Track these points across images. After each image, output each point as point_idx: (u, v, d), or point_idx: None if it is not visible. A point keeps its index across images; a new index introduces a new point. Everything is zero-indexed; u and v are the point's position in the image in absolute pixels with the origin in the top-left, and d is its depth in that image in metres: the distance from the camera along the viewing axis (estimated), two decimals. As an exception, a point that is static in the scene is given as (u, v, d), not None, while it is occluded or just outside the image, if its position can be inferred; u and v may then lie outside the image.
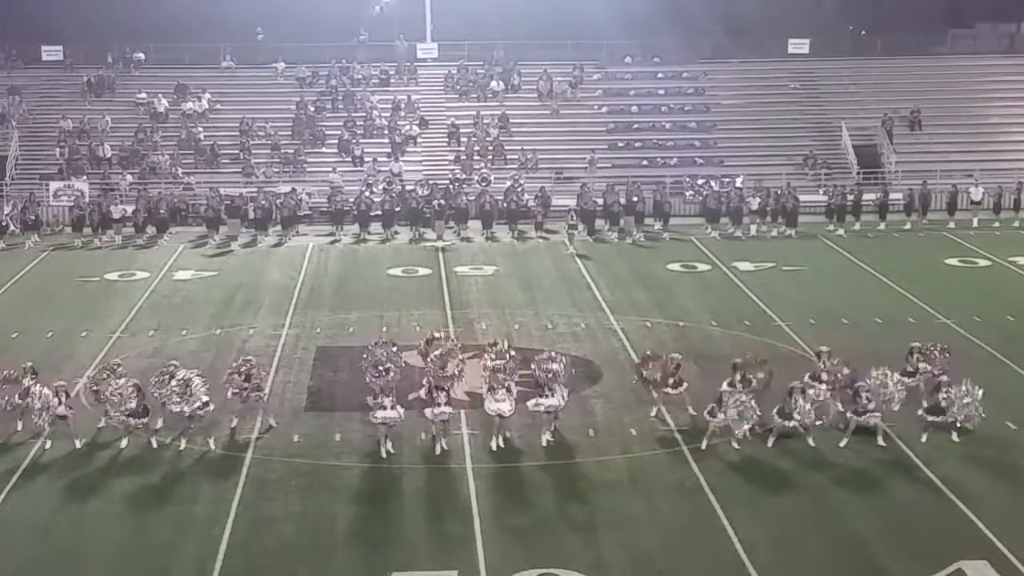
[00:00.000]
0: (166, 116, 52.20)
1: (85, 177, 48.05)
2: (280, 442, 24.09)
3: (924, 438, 23.69)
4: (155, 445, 23.65)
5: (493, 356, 25.66)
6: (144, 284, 37.02)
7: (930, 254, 41.03)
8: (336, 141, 50.92)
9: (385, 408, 23.36)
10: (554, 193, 46.33)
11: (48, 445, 23.59)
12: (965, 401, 23.40)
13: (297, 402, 26.55)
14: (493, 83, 54.43)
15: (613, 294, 35.56)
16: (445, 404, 23.59)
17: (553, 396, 24.03)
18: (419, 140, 51.59)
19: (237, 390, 24.26)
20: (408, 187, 46.45)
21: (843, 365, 24.77)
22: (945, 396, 23.66)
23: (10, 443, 23.92)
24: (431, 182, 46.60)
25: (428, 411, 23.62)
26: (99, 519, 21.01)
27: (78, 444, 23.63)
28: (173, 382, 23.74)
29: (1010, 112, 54.18)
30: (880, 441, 23.56)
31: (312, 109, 52.70)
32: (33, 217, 43.67)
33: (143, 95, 52.90)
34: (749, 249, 41.82)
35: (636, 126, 53.07)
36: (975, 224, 45.00)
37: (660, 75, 55.90)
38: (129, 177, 48.53)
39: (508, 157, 50.16)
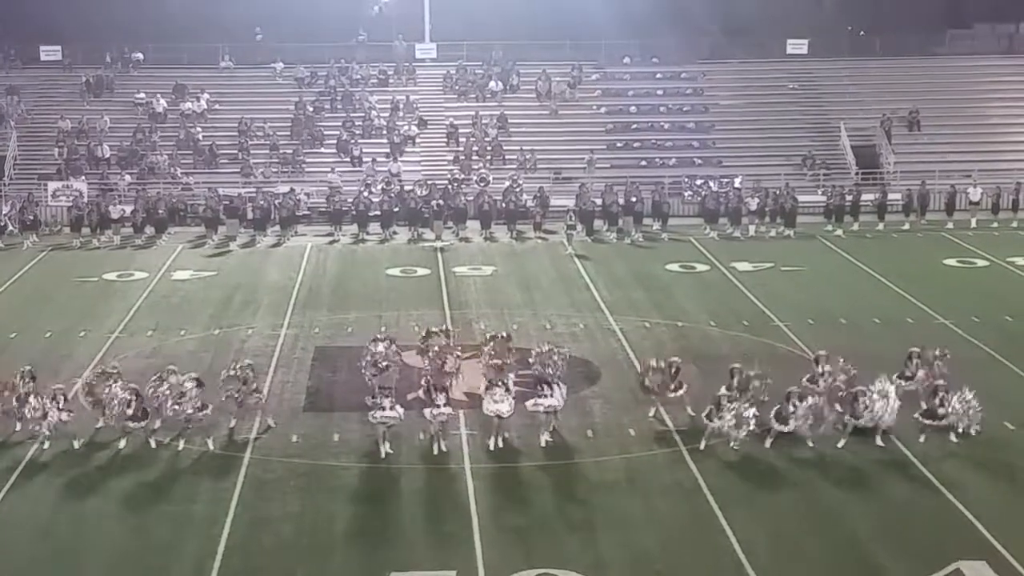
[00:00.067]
0: (165, 116, 52.18)
1: (84, 177, 48.05)
2: (278, 442, 24.10)
3: (922, 439, 23.70)
4: (153, 445, 23.65)
5: (492, 353, 25.66)
6: (142, 284, 37.02)
7: (928, 254, 41.04)
8: (335, 141, 50.91)
9: (384, 408, 23.36)
10: (553, 193, 46.32)
11: (46, 445, 23.58)
12: (968, 411, 23.38)
13: (296, 402, 26.55)
14: (492, 83, 54.42)
15: (612, 294, 35.57)
16: (444, 405, 23.57)
17: (552, 396, 24.04)
18: (418, 140, 51.58)
19: (234, 395, 24.25)
20: (407, 187, 46.44)
21: (840, 372, 24.80)
22: (942, 406, 23.64)
23: (9, 443, 23.92)
24: (430, 182, 46.61)
25: (427, 411, 23.61)
26: (98, 519, 21.02)
27: (76, 444, 23.64)
28: (165, 386, 23.69)
29: (1009, 112, 54.18)
30: (878, 441, 23.57)
31: (311, 109, 52.69)
32: (31, 217, 43.67)
33: (142, 95, 52.87)
34: (748, 249, 41.82)
35: (635, 126, 53.06)
36: (973, 224, 45.01)
37: (659, 75, 55.89)
38: (128, 177, 48.50)
39: (507, 157, 50.14)
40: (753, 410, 23.24)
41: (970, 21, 61.66)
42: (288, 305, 34.49)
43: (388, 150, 50.55)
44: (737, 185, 47.16)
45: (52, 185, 47.17)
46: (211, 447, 23.62)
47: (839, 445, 23.47)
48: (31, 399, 23.76)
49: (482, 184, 47.38)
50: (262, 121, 51.60)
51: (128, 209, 44.31)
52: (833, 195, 45.82)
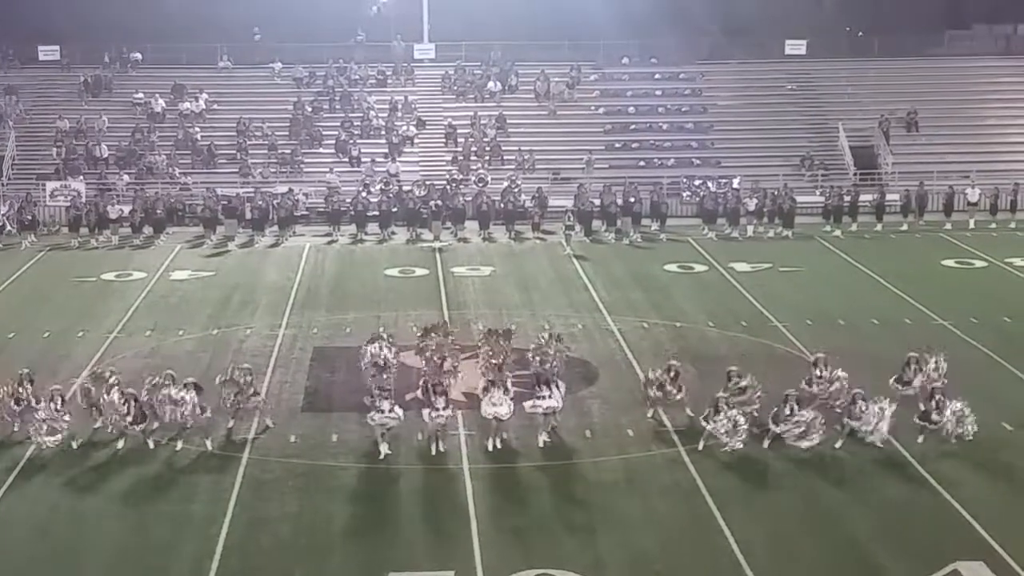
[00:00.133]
0: (163, 116, 52.17)
1: (82, 177, 48.03)
2: (277, 442, 24.10)
3: (920, 439, 23.69)
4: (152, 446, 23.65)
5: (490, 353, 25.66)
6: (141, 284, 37.01)
7: (927, 255, 41.06)
8: (333, 141, 50.91)
9: (383, 411, 23.34)
10: (551, 194, 46.33)
11: (45, 446, 23.54)
12: (961, 421, 23.37)
13: (294, 402, 26.54)
14: (490, 84, 54.42)
15: (610, 295, 35.57)
16: (444, 408, 23.54)
17: (550, 398, 24.04)
18: (416, 141, 51.57)
19: (230, 400, 24.27)
20: (405, 187, 46.43)
21: (834, 380, 24.83)
22: (938, 409, 23.62)
23: (7, 442, 23.90)
24: (428, 182, 46.61)
25: (426, 413, 23.58)
26: (96, 519, 21.02)
27: (74, 445, 23.63)
28: (162, 394, 23.64)
29: (1007, 113, 54.22)
30: (877, 442, 23.57)
31: (309, 109, 52.67)
32: (30, 217, 43.62)
33: (140, 95, 52.86)
34: (746, 250, 41.83)
35: (633, 127, 53.06)
36: (972, 225, 45.01)
37: (657, 76, 55.89)
38: (126, 177, 48.47)
39: (505, 158, 50.14)
40: (743, 419, 23.26)
41: (968, 22, 61.73)
42: (286, 305, 34.48)
43: (386, 150, 50.55)
44: (735, 186, 47.18)
45: (50, 185, 47.15)
46: (209, 447, 23.62)
47: (837, 446, 23.46)
48: (31, 401, 23.84)
49: (480, 184, 47.38)
50: (260, 121, 51.59)
51: (126, 209, 44.27)
52: (831, 196, 45.81)
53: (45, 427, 23.26)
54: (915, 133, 52.67)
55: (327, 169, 48.61)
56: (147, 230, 43.71)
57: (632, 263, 39.93)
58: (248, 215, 43.97)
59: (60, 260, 40.93)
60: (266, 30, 56.51)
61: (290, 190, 45.82)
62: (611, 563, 19.35)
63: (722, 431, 23.01)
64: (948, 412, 23.40)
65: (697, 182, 48.29)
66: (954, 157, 50.31)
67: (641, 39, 56.39)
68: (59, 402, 23.74)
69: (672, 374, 25.03)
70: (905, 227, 45.17)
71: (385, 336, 26.34)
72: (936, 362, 25.27)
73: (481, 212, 44.68)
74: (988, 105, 54.48)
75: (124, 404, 23.52)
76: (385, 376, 25.50)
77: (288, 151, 50.08)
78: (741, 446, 23.01)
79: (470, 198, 45.95)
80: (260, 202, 44.37)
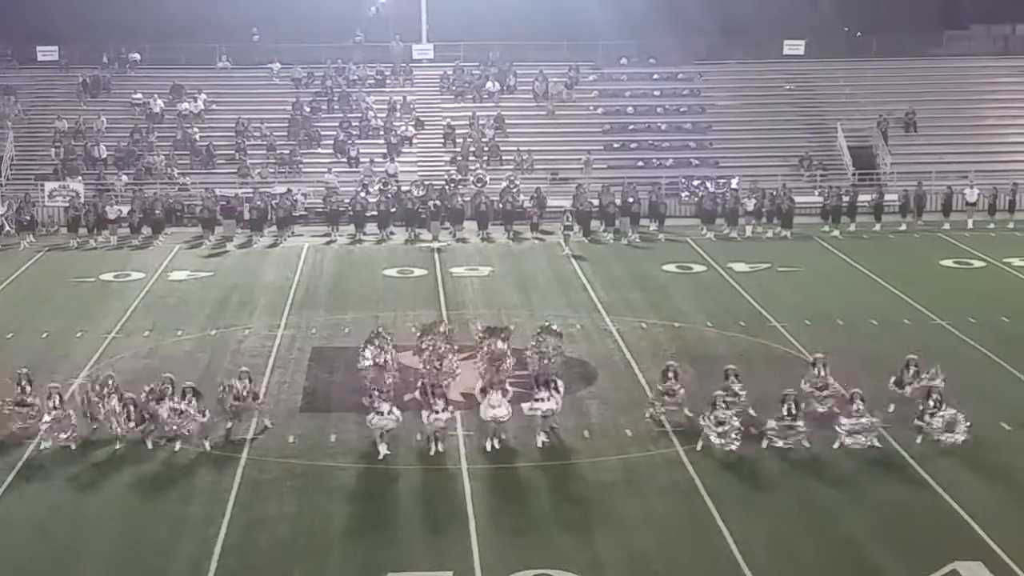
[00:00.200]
0: (162, 116, 52.16)
1: (80, 177, 48.02)
2: (275, 443, 24.09)
3: (919, 439, 23.70)
4: (150, 446, 23.65)
5: (488, 354, 25.66)
6: (139, 285, 37.00)
7: (925, 255, 41.06)
8: (332, 142, 50.90)
9: (382, 413, 23.34)
10: (550, 194, 46.35)
11: (43, 445, 23.59)
12: (945, 431, 23.43)
13: (292, 403, 26.54)
14: (489, 84, 54.41)
15: (608, 295, 35.58)
16: (443, 410, 23.52)
17: (549, 400, 24.04)
18: (415, 141, 51.56)
19: (231, 406, 24.32)
20: (404, 188, 46.42)
21: (828, 386, 24.88)
22: (935, 408, 23.66)
23: (6, 442, 23.89)
24: (427, 183, 46.59)
25: (425, 415, 23.55)
26: (95, 519, 21.02)
27: (73, 445, 23.63)
28: (164, 409, 23.64)
29: (1005, 113, 54.22)
30: (875, 442, 23.59)
31: (308, 110, 52.66)
32: (28, 217, 43.60)
33: (139, 95, 52.83)
34: (744, 250, 41.84)
35: (632, 127, 53.06)
36: (970, 225, 45.00)
37: (656, 76, 55.88)
38: (125, 178, 48.44)
39: (504, 158, 50.14)
40: (737, 421, 23.31)
41: (966, 22, 61.77)
42: (285, 305, 34.48)
43: (385, 151, 50.54)
44: (734, 186, 47.18)
45: (49, 185, 47.12)
46: (207, 448, 23.62)
47: (835, 446, 23.48)
48: (29, 399, 23.89)
49: (479, 185, 47.37)
50: (259, 121, 51.57)
51: (125, 209, 44.24)
52: (830, 196, 45.79)
53: (58, 426, 23.39)
54: (913, 133, 52.68)
55: (326, 169, 48.58)
56: (146, 230, 43.70)
57: (631, 263, 39.93)
58: (247, 215, 43.96)
59: (59, 260, 40.92)
60: (265, 30, 56.50)
61: (288, 190, 45.80)
62: (609, 563, 19.36)
63: (714, 435, 23.05)
64: (937, 421, 23.44)
65: (695, 182, 48.29)
66: (952, 157, 50.31)
67: (639, 39, 56.39)
68: (57, 399, 23.78)
69: (671, 374, 25.04)
70: (903, 227, 45.17)
71: (384, 336, 26.30)
72: (933, 373, 25.01)
73: (480, 212, 44.67)
74: (986, 105, 54.50)
75: (124, 409, 23.56)
76: (387, 377, 25.43)
77: (287, 151, 50.07)
78: (735, 448, 23.04)
79: (468, 198, 45.94)
80: (259, 202, 44.37)
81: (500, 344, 25.87)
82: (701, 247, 42.17)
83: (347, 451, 23.68)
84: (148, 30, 55.09)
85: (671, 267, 39.29)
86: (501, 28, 55.14)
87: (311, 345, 30.71)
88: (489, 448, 23.54)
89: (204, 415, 23.76)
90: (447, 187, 46.36)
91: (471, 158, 49.92)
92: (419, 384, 25.29)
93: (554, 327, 26.90)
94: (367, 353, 25.78)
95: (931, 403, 23.75)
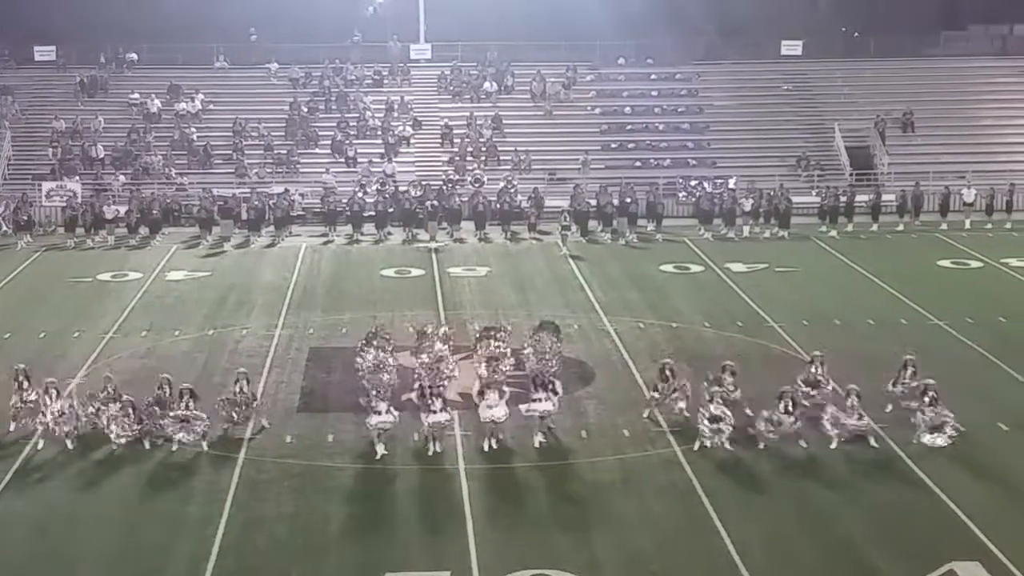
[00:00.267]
0: (159, 116, 52.15)
1: (78, 177, 48.01)
2: (273, 443, 24.09)
3: (916, 440, 23.71)
4: (148, 446, 23.65)
5: (486, 355, 25.65)
6: (137, 285, 36.98)
7: (922, 255, 41.08)
8: (329, 142, 50.90)
9: (380, 413, 23.33)
10: (547, 194, 46.36)
11: (40, 445, 23.60)
12: (930, 431, 23.45)
13: (290, 403, 26.54)
14: (486, 84, 54.42)
15: (606, 295, 35.58)
16: (441, 411, 23.53)
17: (547, 401, 24.04)
18: (412, 141, 51.57)
19: (232, 415, 24.32)
20: (401, 188, 46.43)
21: (820, 383, 24.90)
22: (929, 405, 23.71)
23: (3, 442, 23.89)
24: (424, 183, 46.59)
25: (423, 416, 23.53)
26: (93, 519, 21.01)
27: (70, 445, 23.62)
28: (168, 421, 23.64)
29: (1003, 114, 54.25)
30: (872, 442, 23.62)
31: (305, 110, 52.65)
32: (25, 217, 43.59)
33: (136, 95, 52.82)
34: (742, 250, 41.85)
35: (629, 127, 53.07)
36: (967, 225, 45.02)
37: (653, 76, 55.90)
38: (122, 178, 48.41)
39: (501, 158, 50.16)
40: (729, 415, 23.36)
41: (964, 22, 61.75)
42: (282, 306, 34.47)
43: (383, 151, 50.53)
44: (731, 186, 47.19)
45: (46, 185, 47.11)
46: (205, 447, 23.61)
47: (832, 446, 23.49)
48: (28, 395, 23.93)
49: (477, 185, 47.38)
50: (256, 121, 51.56)
51: (122, 209, 44.23)
52: (827, 196, 45.80)
53: (63, 419, 23.46)
54: (911, 133, 52.72)
55: (323, 169, 48.58)
56: (143, 230, 43.67)
57: (628, 263, 39.94)
58: (244, 215, 43.97)
59: (56, 260, 40.90)
60: (262, 30, 56.50)
61: (286, 190, 45.78)
62: (607, 563, 19.36)
63: (707, 431, 23.09)
64: (932, 411, 23.47)
65: (693, 182, 48.30)
66: (950, 157, 50.33)
67: (637, 39, 56.40)
68: (54, 395, 23.80)
69: (668, 371, 25.05)
70: (901, 227, 45.18)
71: (383, 336, 26.28)
72: (924, 386, 24.84)
73: (477, 212, 44.67)
74: (984, 105, 54.53)
75: (124, 412, 23.56)
76: (386, 378, 25.39)
77: (284, 151, 50.07)
78: (726, 443, 23.04)
79: (466, 198, 45.94)
80: (256, 202, 44.36)
81: (497, 344, 25.87)
82: (698, 247, 42.18)
83: (344, 451, 23.67)
84: (146, 30, 55.09)
85: (668, 267, 39.30)
86: (499, 28, 55.14)
87: (308, 345, 30.70)
88: (487, 448, 23.55)
89: (205, 420, 23.73)
90: (445, 187, 46.35)
91: (469, 158, 49.93)
92: (417, 384, 25.27)
93: (552, 321, 26.87)
94: (369, 357, 25.73)
95: (926, 400, 23.76)
